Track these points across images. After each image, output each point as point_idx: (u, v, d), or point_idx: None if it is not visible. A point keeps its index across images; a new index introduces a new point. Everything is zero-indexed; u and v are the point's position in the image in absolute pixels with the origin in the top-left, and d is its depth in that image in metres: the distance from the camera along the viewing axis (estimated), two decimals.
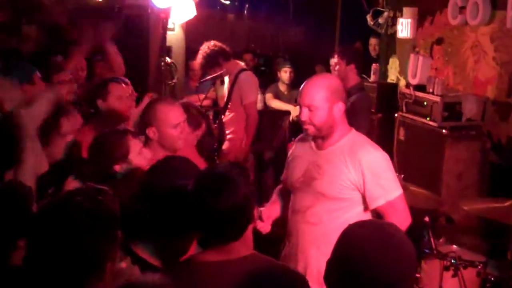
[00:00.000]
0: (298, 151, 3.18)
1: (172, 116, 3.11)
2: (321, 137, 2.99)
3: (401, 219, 2.84)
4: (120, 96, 3.85)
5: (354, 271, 1.66)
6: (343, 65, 4.84)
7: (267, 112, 6.78)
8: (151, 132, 3.09)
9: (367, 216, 2.95)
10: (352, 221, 2.79)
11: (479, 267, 3.60)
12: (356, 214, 2.92)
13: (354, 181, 2.89)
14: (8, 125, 2.34)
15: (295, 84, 6.79)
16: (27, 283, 1.79)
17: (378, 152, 2.97)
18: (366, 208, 2.96)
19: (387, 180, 2.92)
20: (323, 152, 2.99)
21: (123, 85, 4.07)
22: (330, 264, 1.75)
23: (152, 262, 2.15)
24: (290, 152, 3.26)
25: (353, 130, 3.03)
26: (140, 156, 2.83)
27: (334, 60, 6.08)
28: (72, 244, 1.67)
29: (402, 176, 4.01)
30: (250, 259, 2.06)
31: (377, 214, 2.96)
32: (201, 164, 3.12)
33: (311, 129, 2.95)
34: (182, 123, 3.15)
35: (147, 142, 3.12)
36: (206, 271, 2.02)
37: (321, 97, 2.89)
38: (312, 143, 3.06)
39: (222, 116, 5.45)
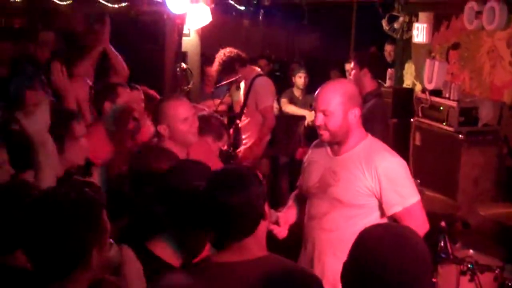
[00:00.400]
0: (314, 156, 3.16)
1: (180, 111, 3.17)
2: (336, 143, 2.98)
3: (419, 226, 2.80)
4: (128, 100, 3.89)
5: (369, 272, 1.66)
6: (357, 70, 4.82)
7: (282, 117, 6.79)
8: (162, 129, 3.17)
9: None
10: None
11: (496, 271, 3.58)
12: (373, 220, 2.88)
13: (371, 188, 2.87)
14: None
15: (309, 89, 6.80)
16: (16, 273, 1.83)
17: (395, 159, 2.94)
18: (383, 214, 2.93)
19: (404, 187, 2.89)
20: (339, 158, 2.98)
21: (134, 90, 4.14)
22: (346, 265, 1.75)
23: (170, 261, 2.17)
24: (306, 157, 3.25)
25: (370, 136, 3.01)
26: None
27: (350, 65, 6.09)
28: (57, 232, 1.70)
29: (418, 181, 4.01)
30: (264, 260, 2.07)
31: (395, 220, 2.94)
32: None
33: (325, 135, 2.93)
34: (191, 118, 3.21)
35: (159, 139, 3.20)
36: (221, 272, 2.03)
37: (336, 102, 2.88)
38: (328, 149, 3.04)
39: (238, 121, 5.47)
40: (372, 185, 2.86)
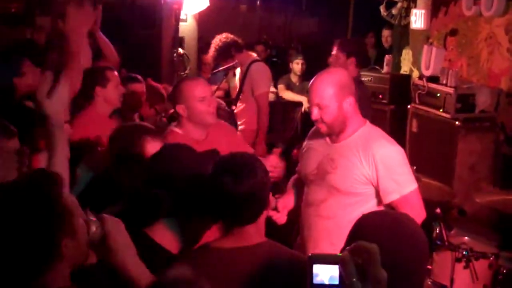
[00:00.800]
0: (312, 142, 3.15)
1: (197, 91, 3.21)
2: (335, 133, 2.97)
3: (416, 214, 2.78)
4: (118, 84, 3.87)
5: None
6: (344, 59, 4.75)
7: (279, 104, 6.78)
8: (180, 109, 3.21)
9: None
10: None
11: (491, 258, 3.59)
12: (370, 208, 2.87)
13: (368, 176, 2.86)
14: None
15: (307, 75, 6.78)
16: None
17: (393, 146, 2.92)
18: (380, 202, 2.93)
19: (401, 175, 2.88)
20: (337, 145, 2.97)
21: (136, 83, 4.13)
22: (344, 251, 1.76)
23: (169, 248, 2.17)
24: (304, 143, 3.24)
25: (368, 123, 2.99)
26: None
27: (333, 53, 6.02)
28: (16, 225, 1.61)
29: (415, 167, 4.01)
30: (264, 246, 2.10)
31: (392, 208, 2.94)
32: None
33: (323, 128, 2.92)
34: (209, 98, 3.25)
35: (179, 120, 3.25)
36: (221, 257, 2.05)
37: (330, 95, 2.86)
38: (327, 136, 3.04)
39: (234, 107, 5.46)
40: (369, 172, 2.86)
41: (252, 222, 2.08)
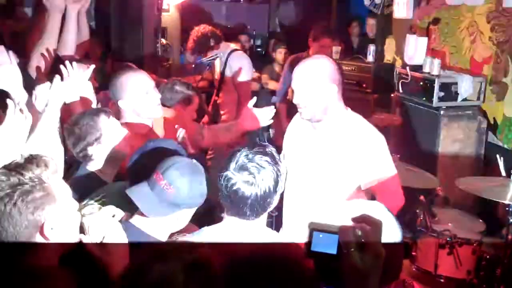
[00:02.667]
0: (295, 129, 3.16)
1: (140, 84, 3.06)
2: (316, 120, 2.97)
3: (394, 200, 2.83)
4: None
5: None
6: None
7: (263, 93, 6.77)
8: (123, 104, 3.04)
9: (363, 196, 2.95)
10: (349, 201, 2.84)
11: (474, 245, 3.63)
12: (354, 194, 2.91)
13: (349, 161, 2.87)
14: None
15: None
16: None
17: (373, 132, 2.94)
18: (360, 188, 2.94)
19: (380, 160, 2.90)
20: (320, 131, 2.98)
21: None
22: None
23: (153, 234, 2.19)
24: (287, 131, 3.25)
25: (349, 110, 3.00)
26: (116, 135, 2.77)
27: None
28: None
29: (398, 155, 4.03)
30: (262, 233, 2.15)
31: (373, 196, 2.96)
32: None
33: (304, 113, 2.92)
34: (152, 89, 3.09)
35: (122, 115, 3.05)
36: (219, 246, 2.06)
37: (314, 80, 2.86)
38: (308, 124, 3.05)
39: (216, 98, 5.43)
40: (351, 158, 2.87)
41: (255, 218, 2.13)
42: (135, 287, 1.41)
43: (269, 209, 2.17)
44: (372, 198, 2.93)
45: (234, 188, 2.06)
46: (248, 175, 2.05)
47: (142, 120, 3.08)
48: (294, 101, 2.93)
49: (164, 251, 1.47)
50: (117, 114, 3.00)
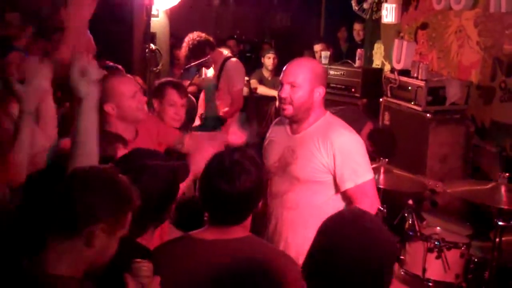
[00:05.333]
0: (274, 135, 3.17)
1: (128, 88, 3.06)
2: (296, 121, 2.98)
3: (369, 204, 2.83)
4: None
5: (333, 262, 1.67)
6: None
7: (252, 98, 6.78)
8: (109, 108, 3.01)
9: (340, 200, 2.96)
10: (328, 205, 2.87)
11: (462, 248, 3.64)
12: (332, 197, 2.93)
13: (326, 164, 2.87)
14: None
15: (278, 70, 6.77)
16: None
17: (352, 135, 2.94)
18: (338, 191, 2.95)
19: (358, 164, 2.89)
20: (298, 136, 2.98)
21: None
22: (309, 256, 1.75)
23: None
24: (267, 136, 3.26)
25: (328, 113, 3.01)
26: None
27: (319, 47, 6.04)
28: None
29: (387, 159, 4.05)
30: (245, 240, 2.13)
31: (350, 201, 2.95)
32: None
33: (288, 109, 2.92)
34: (139, 93, 3.10)
35: (107, 120, 3.02)
36: (202, 248, 2.07)
37: (305, 77, 2.88)
38: (288, 128, 3.05)
39: None
40: (328, 161, 2.87)
41: (239, 223, 2.12)
42: None
43: (251, 214, 2.17)
44: (349, 202, 2.93)
45: (215, 192, 2.06)
46: (228, 178, 2.05)
47: (127, 125, 3.06)
48: (281, 95, 2.92)
49: None
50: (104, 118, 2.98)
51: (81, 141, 2.14)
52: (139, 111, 3.08)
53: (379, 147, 4.53)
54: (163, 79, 4.15)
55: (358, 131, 3.30)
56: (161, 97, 3.80)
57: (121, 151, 2.73)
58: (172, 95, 3.77)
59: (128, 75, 3.33)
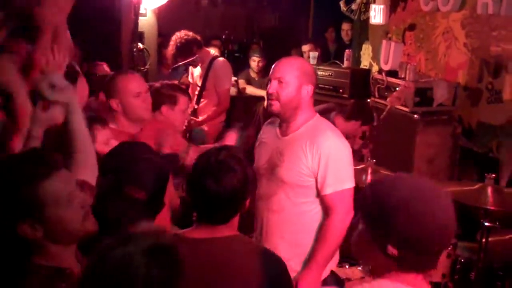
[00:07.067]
0: (265, 137, 3.16)
1: (132, 86, 3.15)
2: (284, 121, 2.97)
3: (345, 212, 2.82)
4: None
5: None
6: None
7: (240, 99, 6.77)
8: (114, 104, 3.13)
9: (318, 204, 2.93)
10: (313, 209, 2.88)
11: (449, 248, 3.65)
12: (316, 202, 2.91)
13: (311, 167, 2.85)
14: None
15: (266, 71, 6.78)
16: None
17: (339, 140, 2.90)
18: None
19: (341, 170, 2.85)
20: (286, 138, 2.97)
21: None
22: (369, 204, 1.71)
23: None
24: (258, 137, 3.25)
25: (317, 115, 3.00)
26: (106, 146, 2.79)
27: (307, 47, 6.03)
28: None
29: (374, 160, 4.06)
30: (233, 239, 2.16)
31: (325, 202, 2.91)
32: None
33: (276, 105, 2.91)
34: (144, 93, 3.18)
35: (112, 115, 3.15)
36: (190, 247, 2.07)
37: (293, 74, 2.88)
38: (277, 130, 3.04)
39: (195, 104, 5.43)
40: (312, 164, 2.84)
41: (225, 223, 2.15)
42: (96, 273, 1.42)
43: (238, 213, 2.18)
44: (326, 207, 2.90)
45: (202, 190, 2.06)
46: (215, 177, 2.06)
47: (131, 122, 3.15)
48: (269, 91, 2.92)
49: (126, 236, 1.47)
50: (109, 115, 3.11)
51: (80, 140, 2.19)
52: (143, 110, 3.16)
53: (365, 116, 4.59)
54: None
55: (328, 118, 3.31)
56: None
57: (100, 132, 2.78)
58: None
59: (138, 75, 3.35)
